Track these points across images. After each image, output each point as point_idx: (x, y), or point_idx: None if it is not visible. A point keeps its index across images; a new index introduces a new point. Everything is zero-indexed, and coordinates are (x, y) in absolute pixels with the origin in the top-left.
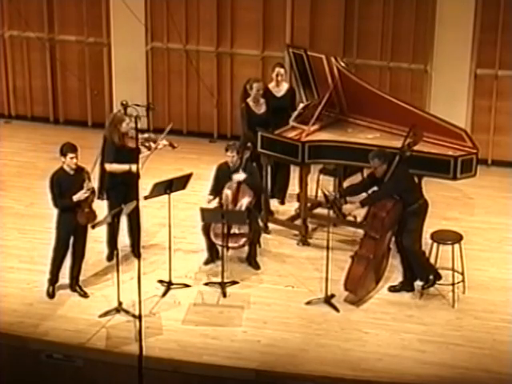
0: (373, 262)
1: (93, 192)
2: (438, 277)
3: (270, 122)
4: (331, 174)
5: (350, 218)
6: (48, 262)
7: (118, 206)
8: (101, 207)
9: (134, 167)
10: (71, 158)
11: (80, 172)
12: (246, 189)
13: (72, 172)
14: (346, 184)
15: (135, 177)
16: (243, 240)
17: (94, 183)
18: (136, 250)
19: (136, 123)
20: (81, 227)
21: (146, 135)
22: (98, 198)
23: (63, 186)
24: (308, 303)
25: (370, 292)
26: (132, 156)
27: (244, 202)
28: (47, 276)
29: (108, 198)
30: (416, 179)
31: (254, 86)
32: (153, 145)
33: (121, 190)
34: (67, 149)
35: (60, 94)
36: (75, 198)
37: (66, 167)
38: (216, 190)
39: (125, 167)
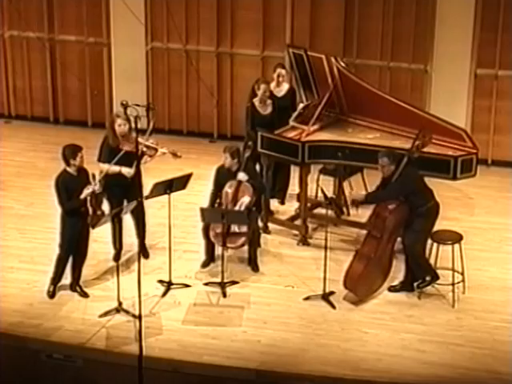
0: (373, 262)
1: (100, 193)
2: (436, 278)
3: (275, 123)
4: (331, 174)
5: (354, 210)
6: (49, 263)
7: (116, 206)
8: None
9: (124, 170)
10: (81, 157)
11: (83, 172)
12: (247, 188)
13: (76, 173)
14: (345, 183)
15: (131, 178)
16: (242, 239)
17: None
18: (143, 250)
19: (136, 123)
20: (85, 230)
21: (147, 142)
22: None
23: (69, 188)
24: (306, 299)
25: (374, 291)
26: (127, 160)
27: (244, 200)
28: (50, 275)
29: (107, 197)
30: None
31: (261, 86)
32: (152, 152)
33: (116, 192)
34: (75, 150)
35: (60, 94)
36: (82, 196)
37: (69, 169)
38: (216, 196)
39: (115, 169)
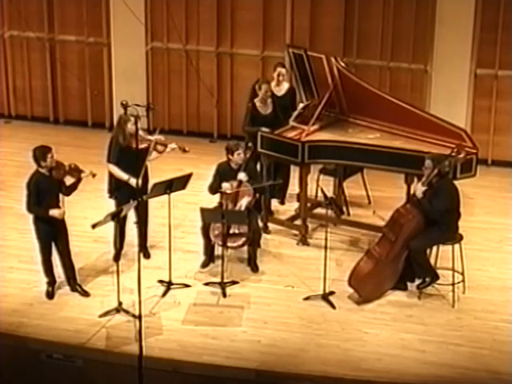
0: (383, 263)
1: (80, 171)
2: (436, 278)
3: (275, 123)
4: (331, 174)
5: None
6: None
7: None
8: (103, 205)
9: (132, 180)
10: (51, 157)
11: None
12: (247, 188)
13: (48, 173)
14: (345, 184)
15: (141, 179)
16: (242, 240)
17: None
18: (143, 250)
19: (136, 123)
20: (60, 228)
21: (156, 137)
22: (109, 197)
23: (42, 188)
24: (306, 299)
25: (381, 294)
26: (137, 157)
27: (244, 201)
28: (45, 279)
29: (115, 197)
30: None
31: (262, 87)
32: (162, 147)
33: (125, 192)
34: (44, 151)
35: (60, 94)
36: (51, 212)
37: (41, 170)
38: (214, 188)
39: (124, 177)
